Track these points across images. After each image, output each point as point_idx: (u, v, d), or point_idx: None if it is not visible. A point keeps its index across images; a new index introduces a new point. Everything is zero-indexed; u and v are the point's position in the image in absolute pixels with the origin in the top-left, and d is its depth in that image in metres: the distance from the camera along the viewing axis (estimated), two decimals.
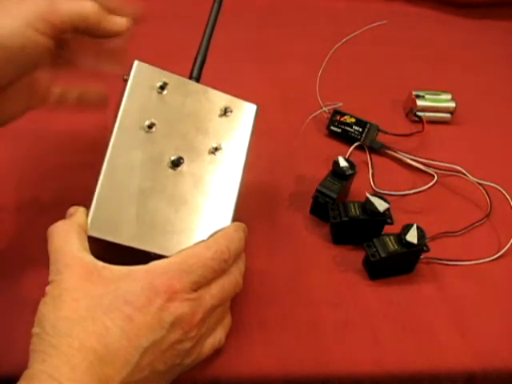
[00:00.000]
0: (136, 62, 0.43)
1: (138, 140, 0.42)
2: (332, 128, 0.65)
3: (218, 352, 0.43)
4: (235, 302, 0.44)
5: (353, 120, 0.64)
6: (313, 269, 0.51)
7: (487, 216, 0.58)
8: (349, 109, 0.65)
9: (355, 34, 0.66)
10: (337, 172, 0.55)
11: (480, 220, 0.57)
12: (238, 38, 0.79)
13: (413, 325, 0.48)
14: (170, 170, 0.43)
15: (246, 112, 0.47)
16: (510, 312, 0.50)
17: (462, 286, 0.51)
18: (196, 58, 0.47)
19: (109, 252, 0.40)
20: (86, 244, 0.39)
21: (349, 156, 0.62)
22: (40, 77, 0.45)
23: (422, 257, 0.51)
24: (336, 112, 0.65)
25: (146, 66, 0.44)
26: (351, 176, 0.55)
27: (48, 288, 0.37)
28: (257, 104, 0.48)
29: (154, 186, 0.42)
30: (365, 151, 0.64)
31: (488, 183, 0.59)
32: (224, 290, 0.40)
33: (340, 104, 0.66)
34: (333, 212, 0.52)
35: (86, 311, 0.35)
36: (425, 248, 0.50)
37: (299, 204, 0.57)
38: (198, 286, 0.38)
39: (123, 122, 0.42)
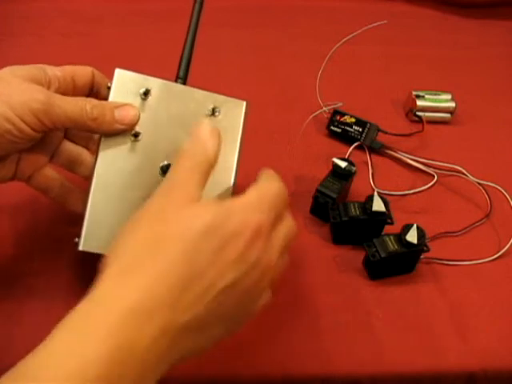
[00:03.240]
0: (117, 71, 0.42)
1: (126, 150, 0.42)
2: (332, 128, 0.65)
3: (217, 352, 0.43)
4: None
5: (353, 120, 0.64)
6: (313, 269, 0.51)
7: (487, 216, 0.58)
8: (349, 109, 0.65)
9: (355, 33, 0.66)
10: (337, 172, 0.55)
11: (480, 220, 0.57)
12: (239, 38, 0.79)
13: (413, 325, 0.48)
14: (161, 177, 0.43)
15: (235, 109, 0.46)
16: (510, 312, 0.50)
17: (461, 286, 0.51)
18: (181, 59, 0.46)
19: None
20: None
21: (349, 156, 0.62)
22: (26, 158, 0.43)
23: (422, 257, 0.51)
24: (336, 112, 0.65)
25: (127, 73, 0.43)
26: (351, 176, 0.55)
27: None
28: (246, 100, 0.46)
29: (145, 194, 0.41)
30: (365, 151, 0.64)
31: (488, 183, 0.59)
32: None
33: (340, 104, 0.66)
34: (333, 212, 0.52)
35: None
36: (425, 248, 0.50)
37: (299, 204, 0.57)
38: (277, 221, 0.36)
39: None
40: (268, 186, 0.36)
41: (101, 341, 0.29)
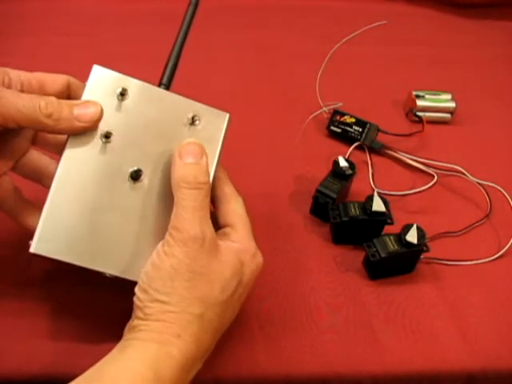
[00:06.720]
0: (94, 67, 0.40)
1: (94, 150, 0.39)
2: (332, 128, 0.65)
3: (218, 353, 0.43)
4: None
5: (353, 120, 0.64)
6: (313, 269, 0.51)
7: (487, 216, 0.58)
8: (349, 109, 0.65)
9: (355, 33, 0.66)
10: (337, 172, 0.55)
11: (480, 220, 0.57)
12: (239, 38, 0.79)
13: (413, 325, 0.48)
14: (129, 184, 0.40)
15: (216, 121, 0.43)
16: (510, 312, 0.50)
17: (462, 286, 0.51)
18: (166, 65, 0.43)
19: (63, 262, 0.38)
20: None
21: (349, 156, 0.62)
22: None
23: (422, 257, 0.51)
24: (336, 112, 0.65)
25: (105, 70, 0.40)
26: (351, 176, 0.55)
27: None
28: (229, 112, 0.43)
29: (110, 200, 0.39)
30: (365, 151, 0.64)
31: (488, 183, 0.59)
32: None
33: (340, 104, 0.66)
34: (333, 212, 0.52)
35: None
36: (425, 248, 0.50)
37: (299, 204, 0.57)
38: None
39: None
40: (242, 212, 0.43)
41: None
